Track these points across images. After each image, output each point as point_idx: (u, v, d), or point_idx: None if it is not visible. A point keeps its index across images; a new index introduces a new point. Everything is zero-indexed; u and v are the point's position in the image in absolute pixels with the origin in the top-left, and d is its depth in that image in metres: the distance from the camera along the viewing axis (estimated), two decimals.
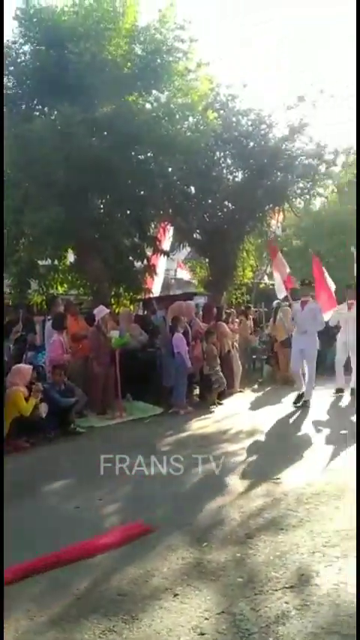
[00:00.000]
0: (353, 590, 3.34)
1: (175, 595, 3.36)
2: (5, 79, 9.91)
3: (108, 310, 9.48)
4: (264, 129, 12.61)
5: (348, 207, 22.76)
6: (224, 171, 12.96)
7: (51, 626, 3.06)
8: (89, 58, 9.24)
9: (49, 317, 9.77)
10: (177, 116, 10.14)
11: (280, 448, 6.72)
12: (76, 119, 8.85)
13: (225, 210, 12.94)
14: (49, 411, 7.41)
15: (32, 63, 10.04)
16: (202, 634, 2.95)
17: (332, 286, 11.97)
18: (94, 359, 8.88)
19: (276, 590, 3.37)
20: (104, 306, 9.51)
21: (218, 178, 12.32)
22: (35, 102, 10.50)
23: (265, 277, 20.24)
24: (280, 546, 3.96)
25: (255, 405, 9.71)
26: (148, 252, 12.07)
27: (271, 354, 12.55)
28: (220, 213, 12.74)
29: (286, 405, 9.43)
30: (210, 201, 12.60)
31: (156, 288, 13.62)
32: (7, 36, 9.96)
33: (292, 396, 9.59)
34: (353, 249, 11.22)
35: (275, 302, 11.93)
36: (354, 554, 3.81)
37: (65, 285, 11.53)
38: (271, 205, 13.50)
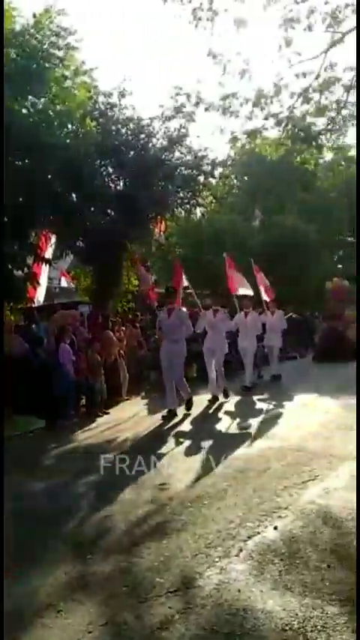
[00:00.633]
0: (235, 588, 3.46)
1: (59, 611, 3.29)
2: None
3: None
4: (143, 139, 12.76)
5: (225, 217, 23.72)
6: (106, 179, 12.93)
7: None
8: None
9: None
10: (55, 123, 9.99)
11: (165, 454, 6.78)
12: None
13: (108, 218, 12.91)
14: None
15: None
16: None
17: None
18: None
19: (160, 596, 3.40)
20: None
21: (100, 186, 12.26)
22: None
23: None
24: (165, 551, 4.00)
25: (141, 413, 9.74)
26: (29, 261, 11.74)
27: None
28: (102, 222, 12.69)
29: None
30: (92, 209, 12.52)
31: (39, 297, 13.29)
32: None
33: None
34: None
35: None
36: (235, 553, 3.94)
37: None
38: (153, 214, 13.67)
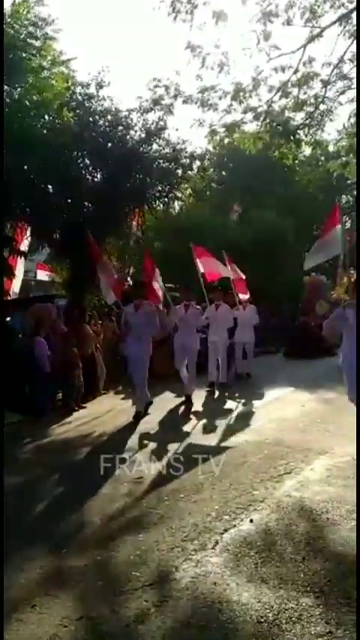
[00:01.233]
0: (210, 581, 3.46)
1: (33, 606, 3.26)
2: None
3: None
4: (121, 130, 12.66)
5: (204, 211, 23.69)
6: (83, 171, 12.80)
7: None
8: None
9: None
10: (32, 113, 9.87)
11: (141, 448, 6.76)
12: None
13: (85, 210, 12.79)
14: None
15: None
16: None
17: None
18: None
19: (136, 590, 3.39)
20: None
21: (77, 178, 12.14)
22: None
23: (129, 279, 20.37)
24: (141, 545, 3.99)
25: (118, 407, 9.70)
26: (5, 253, 11.61)
27: None
28: (80, 214, 12.56)
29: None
30: (69, 201, 12.39)
31: (14, 289, 13.16)
32: None
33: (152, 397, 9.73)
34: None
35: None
36: (211, 546, 3.95)
37: None
38: (131, 207, 13.58)
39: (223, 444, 6.73)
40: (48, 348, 9.25)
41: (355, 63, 10.08)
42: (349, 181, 25.85)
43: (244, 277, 12.80)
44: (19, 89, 10.28)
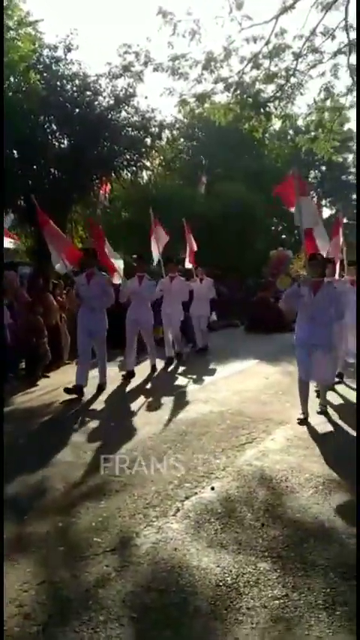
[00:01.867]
0: (171, 547, 3.52)
1: None
2: None
3: None
4: (89, 96, 12.40)
5: (175, 182, 23.48)
6: (49, 136, 12.53)
7: None
8: None
9: None
10: None
11: (105, 417, 6.77)
12: None
13: (51, 177, 12.55)
14: None
15: None
16: (21, 606, 2.91)
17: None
18: None
19: (97, 555, 3.42)
20: None
21: (43, 143, 11.89)
22: None
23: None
24: (103, 512, 4.02)
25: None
26: None
27: None
28: (45, 180, 12.33)
29: (111, 375, 9.46)
30: (35, 167, 12.13)
31: None
32: None
33: (116, 367, 9.72)
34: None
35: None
36: (172, 512, 4.00)
37: None
38: (98, 175, 13.38)
39: (187, 415, 6.78)
40: (10, 316, 9.11)
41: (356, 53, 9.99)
42: (317, 157, 25.92)
43: (195, 249, 12.33)
44: None
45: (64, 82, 12.24)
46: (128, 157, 13.21)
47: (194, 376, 9.39)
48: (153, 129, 13.08)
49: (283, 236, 31.11)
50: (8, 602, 2.93)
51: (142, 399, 7.85)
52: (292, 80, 11.30)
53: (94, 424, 6.42)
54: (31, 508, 4.14)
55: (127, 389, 8.46)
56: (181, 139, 24.60)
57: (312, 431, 6.06)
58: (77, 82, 12.36)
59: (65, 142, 12.65)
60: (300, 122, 18.94)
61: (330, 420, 6.53)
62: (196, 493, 4.33)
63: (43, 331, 9.58)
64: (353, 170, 36.77)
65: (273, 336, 14.02)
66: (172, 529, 3.75)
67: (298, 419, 6.38)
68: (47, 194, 11.67)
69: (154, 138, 13.27)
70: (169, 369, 10.10)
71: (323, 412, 6.70)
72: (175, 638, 2.66)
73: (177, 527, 3.77)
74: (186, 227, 11.96)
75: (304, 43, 10.75)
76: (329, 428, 6.25)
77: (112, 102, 12.51)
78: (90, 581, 3.14)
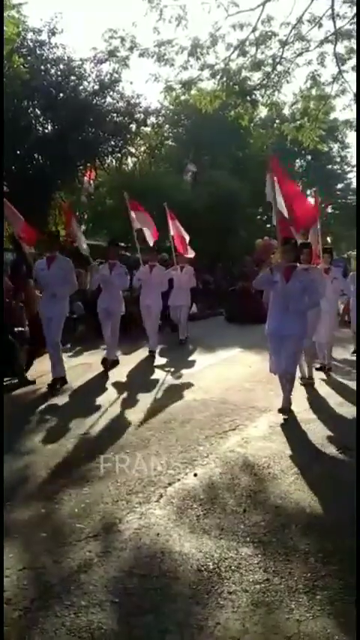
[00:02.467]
0: (154, 532, 3.53)
1: None
2: None
3: None
4: (74, 80, 12.26)
5: (160, 170, 23.33)
6: (33, 121, 12.38)
7: None
8: None
9: None
10: None
11: (88, 404, 6.75)
12: None
13: (34, 162, 12.41)
14: None
15: None
16: (3, 591, 2.90)
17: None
18: None
19: (79, 541, 3.43)
20: None
21: (26, 128, 11.74)
22: None
23: (83, 237, 20.00)
24: (85, 498, 4.02)
25: (65, 365, 9.59)
26: None
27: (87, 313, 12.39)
28: (29, 165, 12.20)
29: (95, 364, 9.40)
30: (18, 152, 11.99)
31: None
32: None
33: (101, 355, 9.66)
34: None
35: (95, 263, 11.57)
36: (155, 498, 4.02)
37: None
38: (82, 161, 13.26)
39: (171, 402, 6.79)
40: None
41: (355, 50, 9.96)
42: (302, 146, 25.92)
43: (186, 237, 11.89)
44: None
45: (49, 66, 12.11)
46: (113, 143, 13.13)
47: (178, 364, 9.40)
48: (138, 115, 13.00)
49: (268, 225, 31.14)
50: None
51: (125, 387, 7.84)
52: (279, 68, 11.26)
53: (77, 412, 6.40)
54: (14, 495, 4.12)
55: (110, 378, 8.43)
56: (167, 126, 24.41)
57: (294, 418, 6.10)
58: (62, 66, 12.23)
59: (49, 127, 12.54)
60: (286, 110, 18.93)
61: (312, 408, 6.58)
62: (179, 479, 4.35)
63: (24, 318, 9.46)
64: (338, 160, 36.86)
65: (256, 325, 14.03)
66: (155, 515, 3.76)
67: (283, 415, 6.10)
68: (30, 178, 11.55)
69: (139, 124, 13.20)
70: (152, 358, 10.05)
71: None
72: (157, 623, 2.68)
73: (160, 513, 3.79)
74: (168, 214, 11.67)
75: (291, 30, 10.70)
76: (312, 415, 6.30)
77: (96, 87, 12.40)
78: (72, 566, 3.14)
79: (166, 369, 9.08)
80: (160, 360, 9.89)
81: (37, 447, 5.20)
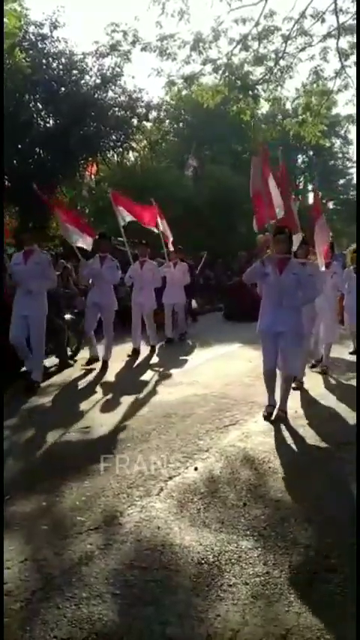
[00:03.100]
0: (154, 525, 3.55)
1: None
2: None
3: None
4: (76, 74, 12.24)
5: (161, 165, 23.30)
6: (34, 115, 12.36)
7: None
8: None
9: None
10: None
11: (88, 399, 6.78)
12: None
13: (36, 157, 12.40)
14: None
15: None
16: (4, 583, 2.92)
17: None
18: None
19: (80, 534, 3.44)
20: None
21: (28, 123, 11.72)
22: None
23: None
24: (86, 491, 4.04)
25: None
26: None
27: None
28: (30, 160, 12.18)
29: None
30: (20, 146, 11.97)
31: None
32: None
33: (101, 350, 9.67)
34: None
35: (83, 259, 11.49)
36: (156, 492, 4.04)
37: None
38: (84, 156, 13.26)
39: (171, 397, 6.81)
40: None
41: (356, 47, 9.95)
42: (304, 141, 25.90)
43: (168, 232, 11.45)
44: None
45: (50, 60, 12.08)
46: (115, 137, 13.12)
47: (177, 359, 9.42)
48: (140, 109, 12.99)
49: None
50: None
51: (125, 382, 7.86)
52: (281, 63, 11.29)
53: (77, 406, 6.42)
54: (15, 488, 4.14)
55: (110, 373, 8.44)
56: (167, 121, 24.38)
57: (294, 413, 6.12)
58: (63, 60, 12.20)
59: (51, 121, 12.52)
60: (288, 106, 18.90)
61: (312, 404, 6.60)
62: (179, 473, 4.37)
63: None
64: (341, 156, 36.83)
65: (253, 322, 14.00)
66: (156, 508, 3.78)
67: (264, 414, 5.91)
68: (32, 173, 11.54)
69: (140, 119, 13.19)
70: (151, 353, 10.05)
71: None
72: (158, 614, 2.70)
73: (160, 507, 3.80)
74: (155, 207, 11.08)
75: (294, 25, 10.71)
76: (311, 411, 6.31)
77: (98, 81, 12.38)
78: (73, 558, 3.16)
79: (165, 364, 9.09)
80: (159, 356, 9.90)
81: (38, 440, 5.22)
